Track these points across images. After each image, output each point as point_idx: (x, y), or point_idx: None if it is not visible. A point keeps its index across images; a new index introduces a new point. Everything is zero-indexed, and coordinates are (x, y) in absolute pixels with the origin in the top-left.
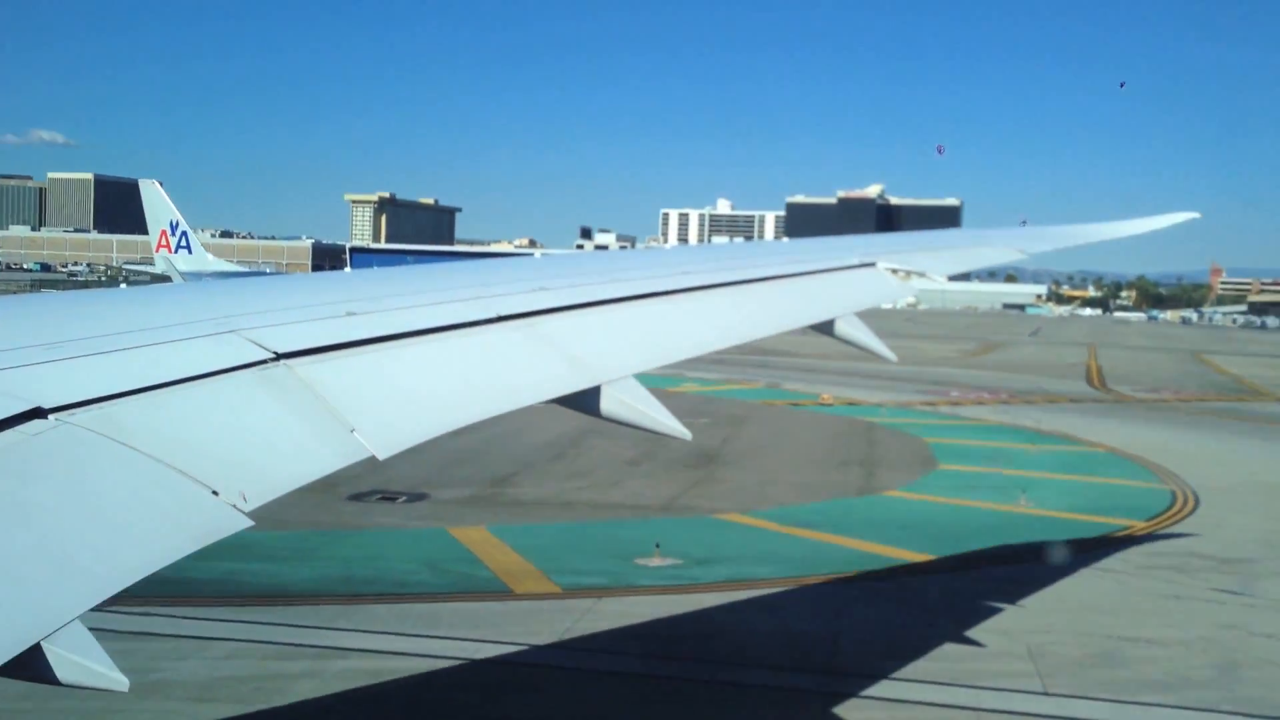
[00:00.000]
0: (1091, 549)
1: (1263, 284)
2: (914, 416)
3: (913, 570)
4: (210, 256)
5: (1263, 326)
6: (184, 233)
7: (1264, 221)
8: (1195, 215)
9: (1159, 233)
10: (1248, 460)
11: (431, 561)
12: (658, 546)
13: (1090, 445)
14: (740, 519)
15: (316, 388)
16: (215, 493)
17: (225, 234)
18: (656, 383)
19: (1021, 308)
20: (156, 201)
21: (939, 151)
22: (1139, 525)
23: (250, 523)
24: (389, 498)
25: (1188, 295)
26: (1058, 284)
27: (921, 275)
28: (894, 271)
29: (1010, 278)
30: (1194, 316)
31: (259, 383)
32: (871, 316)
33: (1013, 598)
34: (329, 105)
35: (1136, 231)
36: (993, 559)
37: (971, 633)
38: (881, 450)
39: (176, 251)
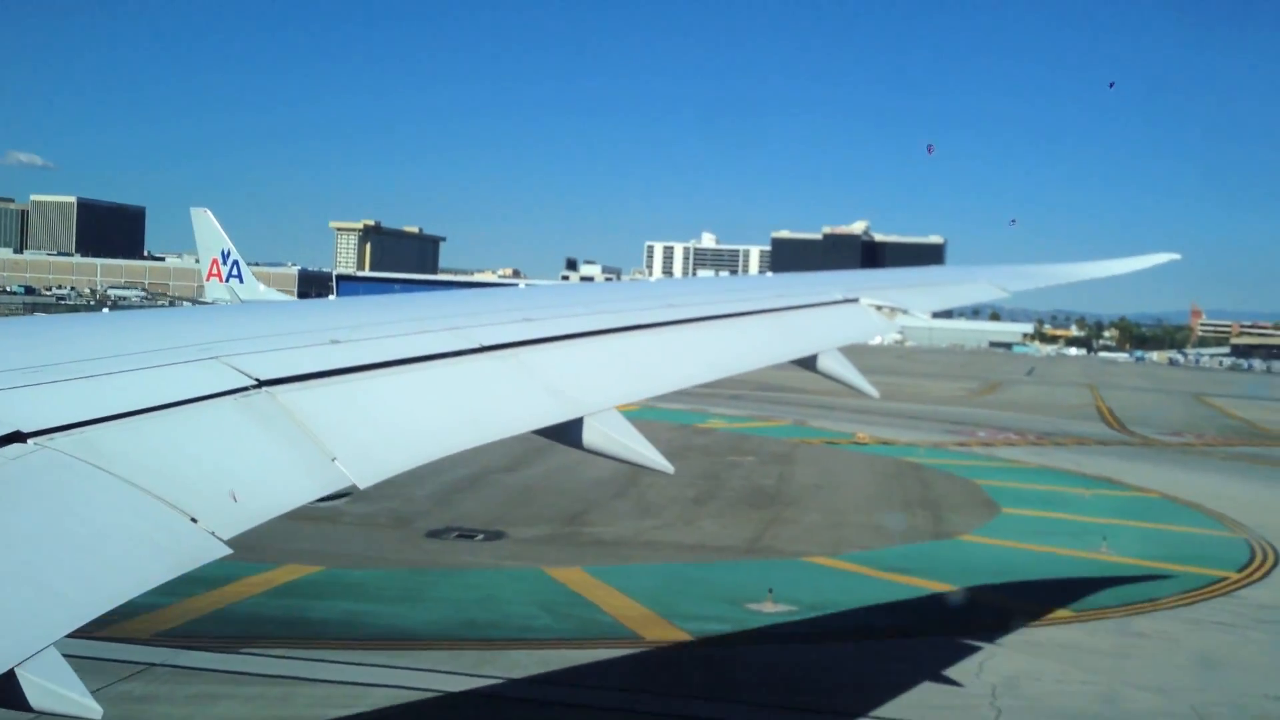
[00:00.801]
0: (1195, 601)
1: (1242, 326)
2: (953, 457)
3: (1028, 618)
4: (262, 286)
5: (1249, 369)
6: (235, 261)
7: (1239, 264)
8: (1175, 256)
9: (1137, 273)
10: None
11: (545, 604)
12: (770, 592)
13: (1140, 490)
14: (831, 563)
15: (298, 415)
16: (194, 519)
17: None
18: (682, 418)
19: (1008, 346)
20: (208, 229)
21: (929, 150)
22: (1234, 576)
23: (228, 550)
24: (466, 535)
25: (1170, 336)
26: (1042, 322)
27: (905, 312)
28: (878, 308)
29: (994, 316)
30: (1180, 358)
31: (240, 410)
32: (861, 353)
33: (1146, 651)
34: (314, 131)
35: (1118, 272)
36: (1102, 607)
37: (1124, 690)
38: (938, 492)
39: (227, 280)
